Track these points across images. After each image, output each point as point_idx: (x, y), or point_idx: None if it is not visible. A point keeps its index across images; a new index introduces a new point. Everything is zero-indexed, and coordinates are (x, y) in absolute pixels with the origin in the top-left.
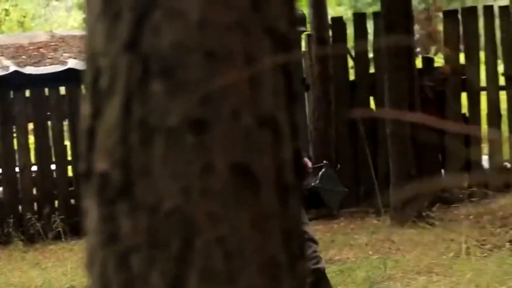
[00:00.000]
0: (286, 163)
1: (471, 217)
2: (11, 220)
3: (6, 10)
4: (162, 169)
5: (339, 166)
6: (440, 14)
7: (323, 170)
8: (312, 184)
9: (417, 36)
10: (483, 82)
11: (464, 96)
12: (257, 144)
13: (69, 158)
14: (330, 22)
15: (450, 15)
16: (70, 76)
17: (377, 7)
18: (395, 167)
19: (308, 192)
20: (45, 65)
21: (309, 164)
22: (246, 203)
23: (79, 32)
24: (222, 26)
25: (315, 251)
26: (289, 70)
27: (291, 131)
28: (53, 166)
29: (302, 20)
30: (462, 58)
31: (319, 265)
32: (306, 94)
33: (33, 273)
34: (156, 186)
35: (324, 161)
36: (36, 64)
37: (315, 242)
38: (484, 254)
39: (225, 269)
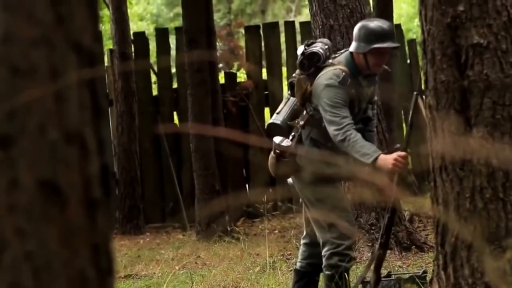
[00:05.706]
0: (93, 178)
1: (276, 231)
2: None
3: None
4: None
5: None
6: (242, 30)
7: None
8: None
9: (219, 51)
10: None
11: (267, 111)
12: (64, 159)
13: None
14: (132, 37)
15: (251, 31)
16: None
17: (179, 22)
18: (199, 182)
19: None
20: None
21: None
22: (54, 218)
23: None
24: (26, 40)
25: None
26: (95, 85)
27: (98, 146)
28: None
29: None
30: (264, 73)
31: (342, 263)
32: (109, 110)
33: None
34: None
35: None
36: None
37: (346, 239)
38: (290, 268)
39: (34, 285)
